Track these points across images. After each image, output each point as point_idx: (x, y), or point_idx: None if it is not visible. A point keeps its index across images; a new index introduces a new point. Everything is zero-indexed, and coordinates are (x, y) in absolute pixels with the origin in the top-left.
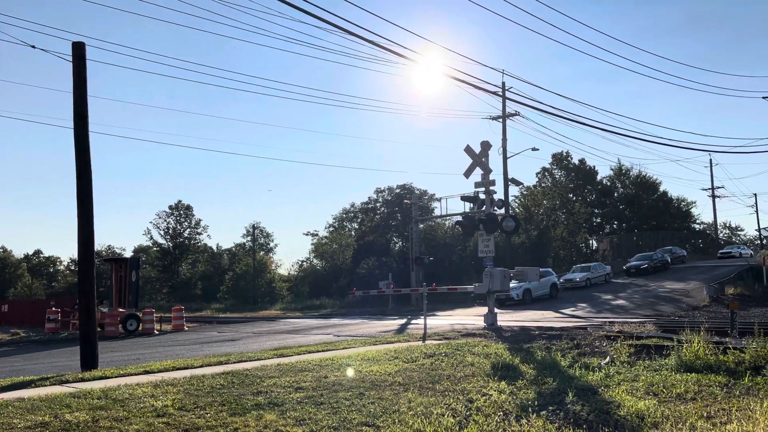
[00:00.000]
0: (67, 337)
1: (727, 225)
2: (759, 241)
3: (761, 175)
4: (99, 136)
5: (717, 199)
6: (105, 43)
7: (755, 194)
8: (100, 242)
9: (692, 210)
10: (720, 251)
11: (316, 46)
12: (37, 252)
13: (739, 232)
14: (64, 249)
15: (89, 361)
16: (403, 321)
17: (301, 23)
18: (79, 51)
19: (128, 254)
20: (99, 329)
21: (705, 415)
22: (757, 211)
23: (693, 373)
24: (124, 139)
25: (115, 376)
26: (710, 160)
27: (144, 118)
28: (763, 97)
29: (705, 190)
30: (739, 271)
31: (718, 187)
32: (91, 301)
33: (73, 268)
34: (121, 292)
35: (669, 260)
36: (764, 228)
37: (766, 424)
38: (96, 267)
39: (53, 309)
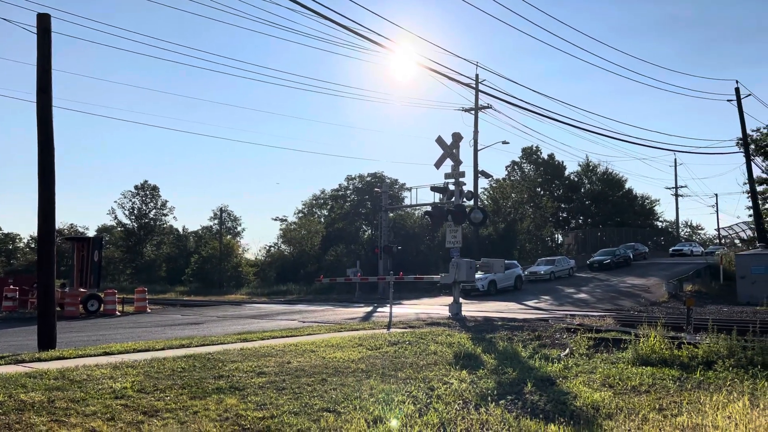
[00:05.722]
0: (24, 316)
1: (689, 224)
2: (718, 241)
3: (723, 176)
4: (63, 112)
5: (680, 198)
6: (73, 16)
7: (716, 194)
8: (62, 221)
9: (656, 208)
10: (672, 248)
11: (293, 30)
12: None
13: (699, 231)
14: (25, 226)
15: (47, 341)
16: (369, 309)
17: (275, 5)
18: (44, 23)
19: (91, 233)
20: (59, 309)
21: (657, 407)
22: (717, 211)
23: (648, 367)
24: (90, 116)
25: (74, 357)
26: (675, 159)
27: (112, 95)
28: (728, 100)
29: (669, 188)
30: (698, 269)
31: (682, 186)
32: (50, 279)
33: (33, 245)
34: (82, 272)
35: (631, 256)
36: (723, 228)
37: (714, 417)
38: (57, 246)
39: (11, 287)
